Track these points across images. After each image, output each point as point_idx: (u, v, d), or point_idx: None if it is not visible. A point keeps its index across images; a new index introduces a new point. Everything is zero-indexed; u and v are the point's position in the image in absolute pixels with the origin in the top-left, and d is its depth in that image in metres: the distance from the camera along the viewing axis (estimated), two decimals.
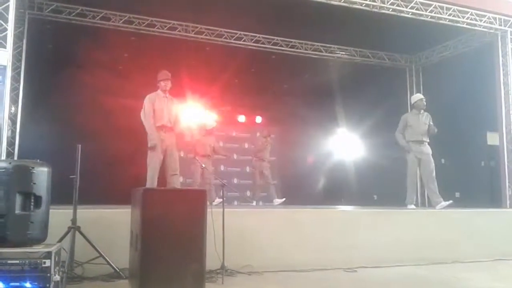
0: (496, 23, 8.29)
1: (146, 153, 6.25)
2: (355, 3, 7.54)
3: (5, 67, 5.45)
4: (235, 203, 10.01)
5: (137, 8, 8.81)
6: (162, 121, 6.15)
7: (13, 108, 7.85)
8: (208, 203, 4.05)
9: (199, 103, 9.59)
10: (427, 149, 7.59)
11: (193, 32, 9.58)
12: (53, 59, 8.58)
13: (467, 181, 9.15)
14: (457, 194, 9.24)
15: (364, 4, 7.60)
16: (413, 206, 7.61)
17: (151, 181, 6.04)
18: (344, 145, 11.82)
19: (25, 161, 3.40)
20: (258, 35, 10.03)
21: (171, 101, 6.31)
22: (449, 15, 8.01)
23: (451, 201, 7.29)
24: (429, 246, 5.91)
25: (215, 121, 9.61)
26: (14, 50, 7.10)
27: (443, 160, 9.93)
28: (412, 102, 7.94)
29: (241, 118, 11.62)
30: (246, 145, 11.49)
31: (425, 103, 7.71)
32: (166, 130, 6.19)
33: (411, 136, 7.62)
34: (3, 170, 3.21)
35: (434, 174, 7.48)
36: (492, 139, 9.02)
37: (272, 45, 10.21)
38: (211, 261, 4.18)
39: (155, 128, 6.08)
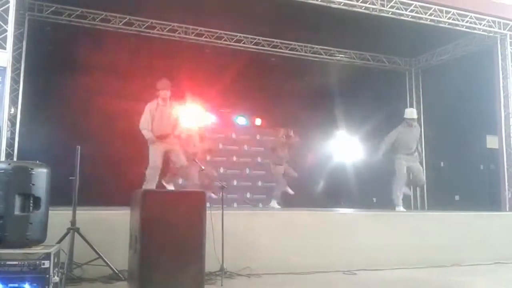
0: (495, 26, 8.29)
1: (145, 155, 6.34)
2: (354, 6, 7.54)
3: (5, 68, 5.45)
4: (234, 205, 10.00)
5: (137, 10, 8.82)
6: (162, 131, 6.46)
7: (12, 109, 7.83)
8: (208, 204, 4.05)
9: (198, 105, 9.53)
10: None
11: (193, 34, 9.60)
12: (52, 61, 8.56)
13: (467, 184, 9.14)
14: (457, 197, 9.24)
15: (363, 7, 7.60)
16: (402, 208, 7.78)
17: (149, 178, 6.33)
18: (344, 148, 11.83)
19: (25, 162, 3.39)
20: (257, 37, 10.03)
21: (171, 109, 6.42)
22: (449, 18, 8.02)
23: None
24: (428, 249, 5.91)
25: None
26: (14, 51, 7.10)
27: (442, 163, 9.94)
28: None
29: (241, 120, 11.61)
30: (246, 147, 11.49)
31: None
32: (166, 136, 6.50)
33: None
34: (2, 171, 3.20)
35: None
36: (491, 142, 9.01)
37: (271, 47, 10.21)
38: (210, 263, 4.18)
39: (152, 134, 6.43)
